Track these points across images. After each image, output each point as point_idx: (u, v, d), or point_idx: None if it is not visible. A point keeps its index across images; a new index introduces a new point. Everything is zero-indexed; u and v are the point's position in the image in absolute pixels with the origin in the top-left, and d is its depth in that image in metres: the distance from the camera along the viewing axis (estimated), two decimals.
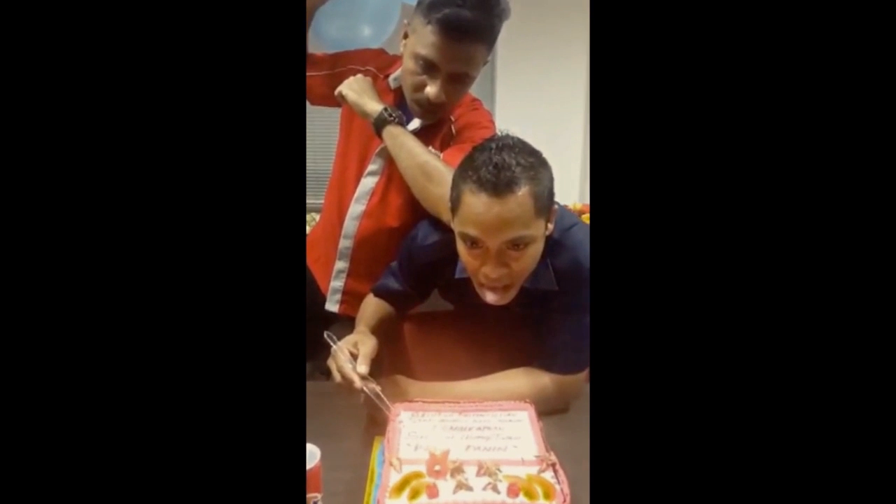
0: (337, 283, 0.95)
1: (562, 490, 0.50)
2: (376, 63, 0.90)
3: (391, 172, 0.86)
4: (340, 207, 0.93)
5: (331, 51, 0.95)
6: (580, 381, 0.74)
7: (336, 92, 0.83)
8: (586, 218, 1.80)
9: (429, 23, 0.74)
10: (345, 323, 0.95)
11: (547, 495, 0.49)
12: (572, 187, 1.98)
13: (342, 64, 0.91)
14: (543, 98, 1.92)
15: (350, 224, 0.92)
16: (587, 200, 1.94)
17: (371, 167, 0.89)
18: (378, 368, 0.70)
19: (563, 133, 1.94)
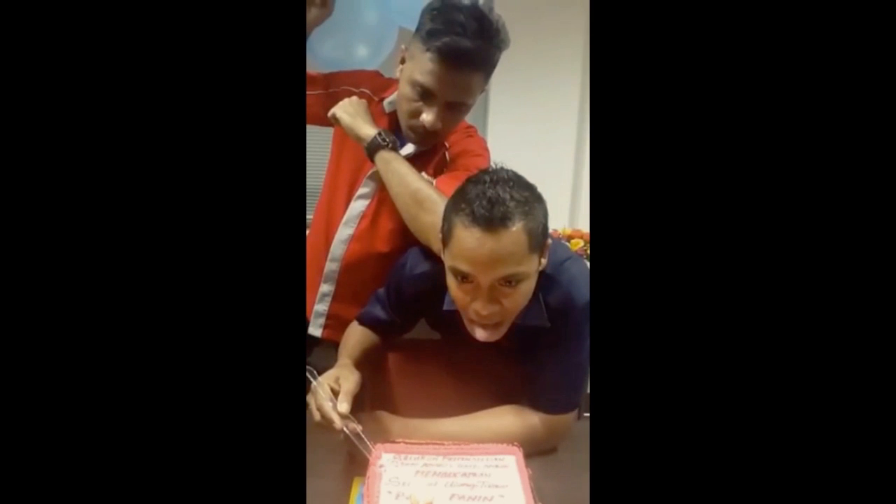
0: (321, 307, 0.92)
1: None
2: (371, 85, 0.88)
3: (382, 196, 0.84)
4: (328, 229, 0.90)
5: (326, 70, 0.94)
6: (570, 420, 0.72)
7: (329, 114, 0.82)
8: (576, 243, 1.80)
9: (427, 50, 0.72)
10: (327, 347, 0.92)
11: None
12: (562, 211, 1.98)
13: (336, 84, 0.90)
14: (535, 122, 1.93)
15: (337, 247, 0.89)
16: (577, 225, 1.94)
17: (362, 190, 0.87)
18: (360, 401, 0.67)
19: (554, 156, 1.95)
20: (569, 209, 2.01)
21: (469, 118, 0.90)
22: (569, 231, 1.82)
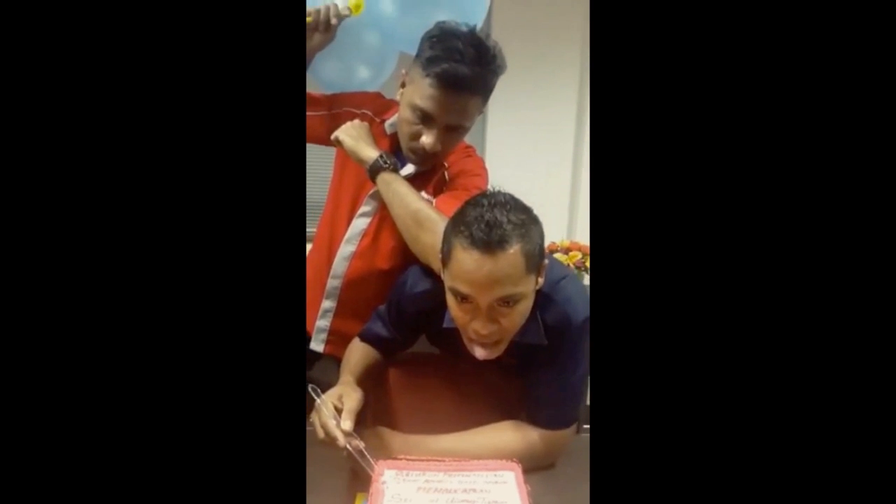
0: (323, 323, 0.94)
1: None
2: (373, 106, 0.91)
3: (383, 215, 0.86)
4: (330, 246, 0.92)
5: (328, 91, 0.96)
6: (568, 436, 0.73)
7: (333, 137, 0.84)
8: (573, 255, 1.82)
9: (427, 76, 0.75)
10: (329, 362, 0.94)
11: None
12: (560, 224, 2.01)
13: (339, 105, 0.92)
14: (533, 137, 1.96)
15: (339, 264, 0.91)
16: (575, 237, 1.97)
17: (363, 208, 0.89)
18: (361, 417, 0.69)
19: (552, 170, 1.98)
20: (567, 222, 2.03)
21: (468, 137, 0.92)
22: (567, 243, 1.84)
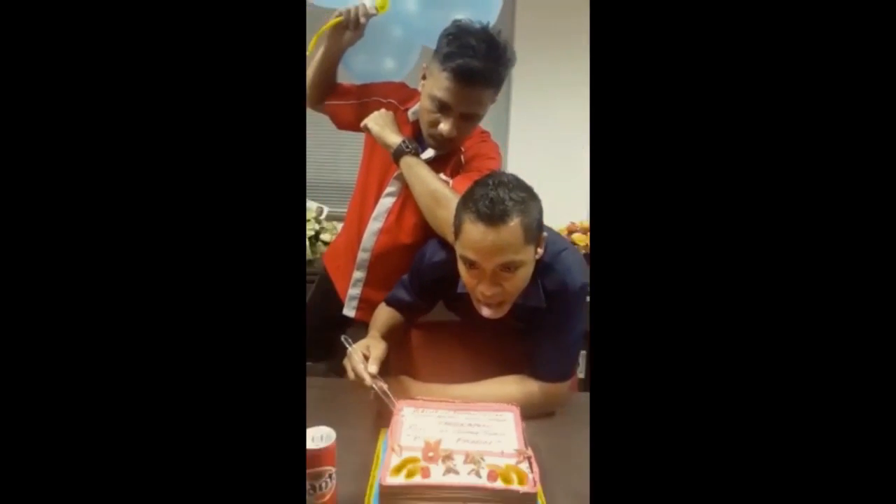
0: (354, 291, 1.06)
1: (533, 478, 0.59)
2: (398, 96, 1.01)
3: (407, 195, 0.96)
4: (360, 223, 1.04)
5: (358, 82, 1.07)
6: (565, 388, 0.83)
7: (362, 124, 0.95)
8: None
9: (444, 70, 0.84)
10: (360, 327, 1.06)
11: (521, 481, 0.59)
12: (582, 205, 2.06)
13: (368, 95, 1.03)
14: (554, 119, 2.01)
15: (368, 238, 1.03)
16: None
17: (389, 189, 1.00)
18: (386, 369, 0.81)
19: (573, 154, 2.03)
20: (587, 203, 2.08)
21: (486, 123, 1.01)
22: (586, 224, 1.90)
